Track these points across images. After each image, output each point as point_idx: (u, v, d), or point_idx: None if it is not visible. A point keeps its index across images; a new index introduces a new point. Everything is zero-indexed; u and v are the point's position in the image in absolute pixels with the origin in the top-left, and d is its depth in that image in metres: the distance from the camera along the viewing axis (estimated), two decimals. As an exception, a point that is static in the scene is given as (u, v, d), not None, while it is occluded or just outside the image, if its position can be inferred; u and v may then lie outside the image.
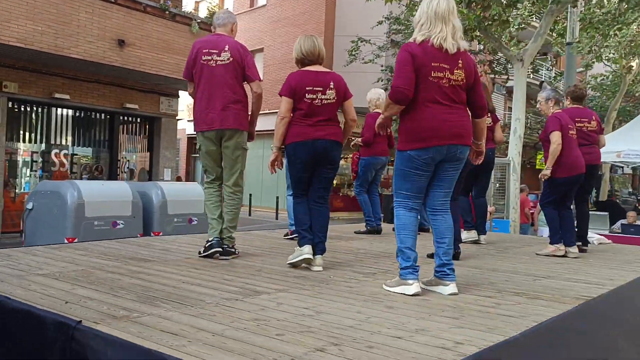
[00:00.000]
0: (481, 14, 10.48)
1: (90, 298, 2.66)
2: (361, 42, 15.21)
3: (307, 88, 3.75)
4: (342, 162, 17.12)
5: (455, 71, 3.06)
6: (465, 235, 5.35)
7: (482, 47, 15.38)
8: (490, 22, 10.62)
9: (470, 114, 3.25)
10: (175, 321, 2.32)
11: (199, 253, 4.11)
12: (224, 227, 4.14)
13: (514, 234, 9.26)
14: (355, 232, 6.23)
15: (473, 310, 2.74)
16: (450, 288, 3.09)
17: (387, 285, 3.14)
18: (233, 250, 4.16)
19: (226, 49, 4.09)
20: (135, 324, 2.24)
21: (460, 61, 3.08)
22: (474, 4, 10.41)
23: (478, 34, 11.64)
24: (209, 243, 4.07)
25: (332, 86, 3.81)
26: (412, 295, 2.97)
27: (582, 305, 2.90)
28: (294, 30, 21.00)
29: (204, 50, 4.10)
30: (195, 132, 4.26)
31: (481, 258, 4.59)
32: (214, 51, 4.08)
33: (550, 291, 3.27)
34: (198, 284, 3.12)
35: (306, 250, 3.73)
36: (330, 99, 3.81)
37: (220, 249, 4.04)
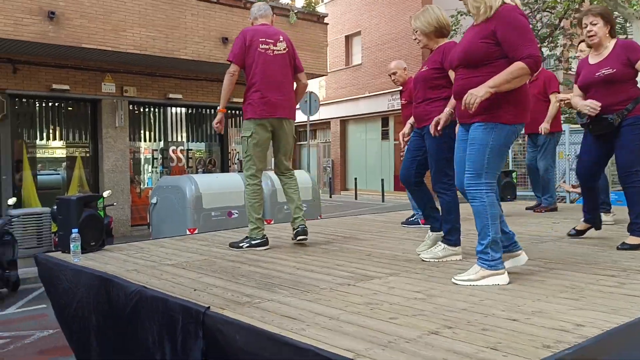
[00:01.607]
0: (592, -28, 9.76)
1: (215, 285, 2.88)
2: (461, 15, 14.70)
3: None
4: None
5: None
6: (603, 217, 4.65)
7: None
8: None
9: None
10: (294, 306, 2.45)
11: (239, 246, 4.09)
12: (297, 207, 4.19)
13: None
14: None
15: (594, 290, 2.64)
16: (523, 256, 3.04)
17: (471, 280, 2.80)
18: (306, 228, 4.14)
19: (281, 39, 4.22)
20: (257, 310, 2.40)
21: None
22: (583, -38, 9.70)
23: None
24: (258, 241, 4.05)
25: None
26: (507, 284, 2.81)
27: None
28: (390, 11, 20.74)
29: (261, 39, 4.13)
30: (248, 119, 4.21)
31: (602, 234, 4.33)
32: (270, 41, 4.16)
33: (682, 269, 3.05)
34: (311, 270, 3.25)
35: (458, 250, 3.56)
36: None
37: (301, 237, 4.08)
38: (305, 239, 4.12)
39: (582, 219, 4.21)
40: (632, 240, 3.71)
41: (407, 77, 5.46)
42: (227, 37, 11.87)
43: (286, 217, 8.58)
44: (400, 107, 5.75)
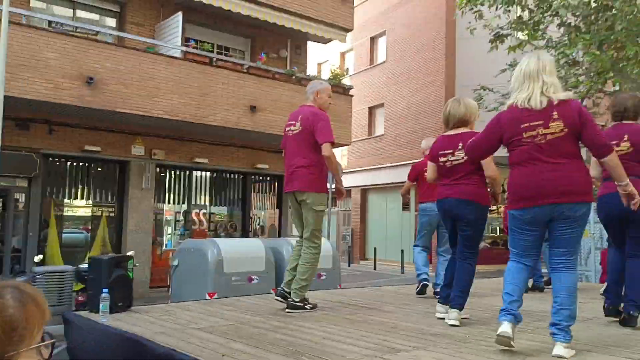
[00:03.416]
0: (615, 55, 10.02)
1: (243, 352, 2.89)
2: (484, 90, 15.05)
3: (439, 152, 4.06)
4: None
5: (550, 124, 3.03)
6: None
7: (617, 88, 14.53)
8: (625, 63, 10.10)
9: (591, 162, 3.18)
10: (323, 376, 2.45)
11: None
12: (295, 279, 4.38)
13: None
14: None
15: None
16: (557, 349, 2.94)
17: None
18: (300, 304, 4.29)
19: (299, 118, 4.56)
20: (286, 378, 2.40)
21: (554, 113, 3.04)
22: (606, 45, 9.99)
23: (612, 75, 11.09)
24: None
25: (460, 147, 3.89)
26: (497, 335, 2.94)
27: None
28: (414, 84, 21.29)
29: (288, 123, 4.70)
30: None
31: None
32: (291, 122, 4.65)
33: None
34: (337, 340, 3.24)
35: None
36: (459, 159, 3.94)
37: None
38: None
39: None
40: None
41: None
42: (255, 106, 12.27)
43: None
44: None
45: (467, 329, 3.70)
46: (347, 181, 23.37)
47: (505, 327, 2.98)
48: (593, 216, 10.42)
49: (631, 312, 3.74)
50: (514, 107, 3.16)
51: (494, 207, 4.24)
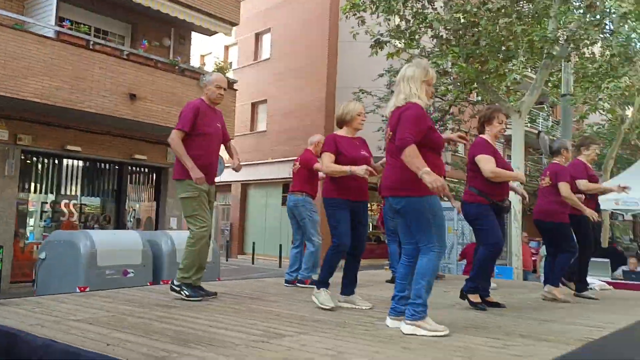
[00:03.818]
0: (479, 68, 10.97)
1: (129, 341, 2.87)
2: (362, 93, 15.71)
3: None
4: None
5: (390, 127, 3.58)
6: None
7: (480, 98, 15.90)
8: (487, 76, 11.09)
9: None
10: (212, 361, 2.52)
11: None
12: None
13: (517, 280, 9.41)
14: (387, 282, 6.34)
15: (483, 351, 2.94)
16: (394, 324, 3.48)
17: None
18: (177, 288, 4.49)
19: None
20: (176, 363, 2.45)
21: (394, 117, 3.54)
22: (472, 58, 10.90)
23: (476, 86, 12.12)
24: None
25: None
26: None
27: (586, 346, 3.10)
28: (297, 82, 21.65)
29: None
30: None
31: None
32: None
33: (554, 334, 3.47)
34: (224, 328, 3.32)
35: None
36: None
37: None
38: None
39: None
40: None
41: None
42: (135, 94, 11.83)
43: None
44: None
45: (348, 315, 3.94)
46: (228, 175, 23.16)
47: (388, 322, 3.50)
48: (457, 214, 11.38)
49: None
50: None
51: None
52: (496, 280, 6.06)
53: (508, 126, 15.50)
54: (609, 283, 7.22)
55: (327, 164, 4.25)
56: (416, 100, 3.48)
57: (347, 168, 4.13)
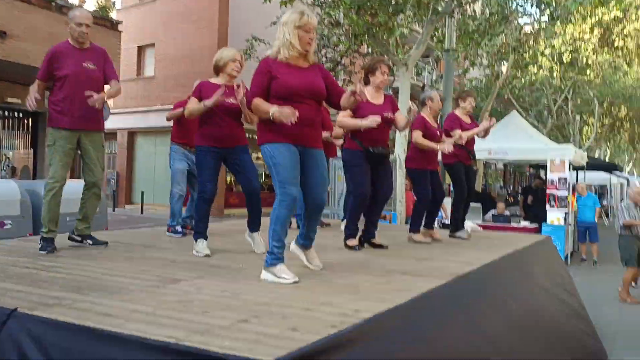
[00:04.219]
0: (369, 20, 11.22)
1: (15, 290, 2.79)
2: (256, 41, 15.50)
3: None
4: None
5: None
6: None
7: (370, 50, 16.27)
8: (377, 29, 11.40)
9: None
10: (108, 305, 2.54)
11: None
12: None
13: (401, 225, 10.07)
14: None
15: (368, 287, 3.21)
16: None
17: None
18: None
19: None
20: (70, 310, 2.44)
21: None
22: (362, 10, 11.11)
23: (367, 38, 12.41)
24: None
25: None
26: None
27: (454, 280, 3.48)
28: (186, 27, 20.81)
29: None
30: None
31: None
32: None
33: (430, 270, 3.83)
34: (117, 275, 3.32)
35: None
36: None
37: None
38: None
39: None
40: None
41: None
42: (6, 32, 10.83)
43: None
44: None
45: (243, 262, 4.07)
46: (113, 123, 22.07)
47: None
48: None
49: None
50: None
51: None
52: (384, 225, 6.43)
53: (397, 78, 16.11)
54: (480, 226, 7.96)
55: (189, 107, 4.37)
56: (274, 50, 3.48)
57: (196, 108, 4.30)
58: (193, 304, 2.65)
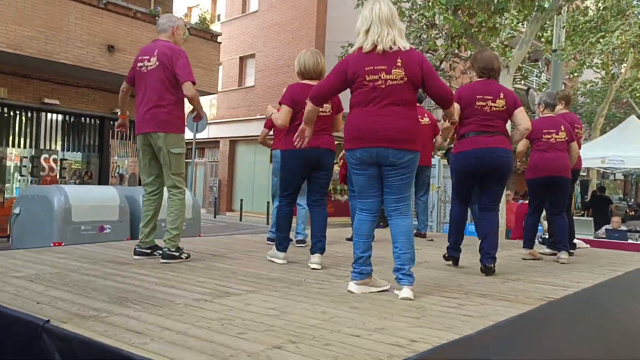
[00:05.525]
0: (467, 21, 10.62)
1: (62, 299, 2.73)
2: (351, 47, 15.33)
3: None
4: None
5: (393, 70, 3.13)
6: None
7: (469, 53, 15.53)
8: (477, 29, 10.75)
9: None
10: (142, 321, 2.39)
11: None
12: (166, 229, 4.17)
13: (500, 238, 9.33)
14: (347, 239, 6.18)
15: (435, 310, 2.83)
16: (403, 292, 3.07)
17: None
18: (177, 253, 4.12)
19: (155, 53, 4.16)
20: (101, 323, 2.31)
21: (399, 60, 3.14)
22: (460, 10, 10.54)
23: (465, 40, 11.79)
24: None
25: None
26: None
27: (542, 306, 2.98)
28: (286, 36, 21.13)
29: (139, 58, 4.25)
30: None
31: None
32: (146, 57, 4.19)
33: (515, 292, 3.36)
34: (171, 286, 3.19)
35: (281, 257, 4.16)
36: (326, 111, 4.19)
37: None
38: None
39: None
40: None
41: None
42: (114, 45, 11.46)
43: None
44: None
45: (307, 273, 3.82)
46: (216, 131, 22.93)
47: (351, 287, 3.22)
48: (441, 171, 11.24)
49: (487, 264, 4.02)
50: (361, 50, 3.21)
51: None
52: (472, 238, 5.92)
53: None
54: (586, 241, 7.14)
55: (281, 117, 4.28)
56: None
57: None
58: (233, 322, 2.43)
